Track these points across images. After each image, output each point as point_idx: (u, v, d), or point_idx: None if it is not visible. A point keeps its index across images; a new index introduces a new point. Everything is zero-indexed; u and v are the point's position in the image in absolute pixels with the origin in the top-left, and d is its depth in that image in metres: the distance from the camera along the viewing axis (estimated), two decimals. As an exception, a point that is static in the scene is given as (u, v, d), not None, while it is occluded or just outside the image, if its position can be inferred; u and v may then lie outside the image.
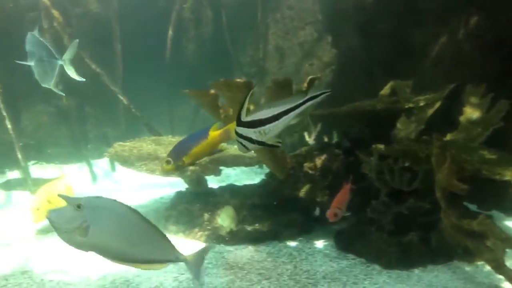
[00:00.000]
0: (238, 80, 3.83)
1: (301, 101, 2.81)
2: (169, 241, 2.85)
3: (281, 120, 2.85)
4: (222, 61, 8.35)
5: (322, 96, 2.81)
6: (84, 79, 4.69)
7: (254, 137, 2.87)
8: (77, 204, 2.56)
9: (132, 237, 2.80)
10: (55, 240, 4.69)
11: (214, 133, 3.54)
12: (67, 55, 4.31)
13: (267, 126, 2.85)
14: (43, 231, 4.91)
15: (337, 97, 5.89)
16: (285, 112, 2.84)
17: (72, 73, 4.46)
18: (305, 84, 4.16)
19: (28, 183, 6.09)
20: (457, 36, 4.77)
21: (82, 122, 7.58)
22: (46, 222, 4.59)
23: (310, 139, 4.98)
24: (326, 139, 4.93)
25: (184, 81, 7.59)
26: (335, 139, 4.75)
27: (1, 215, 5.34)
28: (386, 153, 4.02)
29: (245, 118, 2.87)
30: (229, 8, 8.21)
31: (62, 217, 2.57)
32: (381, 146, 4.06)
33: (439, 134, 3.69)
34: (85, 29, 7.34)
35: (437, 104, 4.37)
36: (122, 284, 3.82)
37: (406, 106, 4.38)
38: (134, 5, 7.88)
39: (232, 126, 3.22)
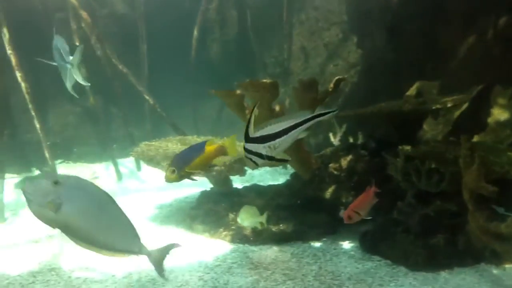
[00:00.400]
0: (264, 80, 3.84)
1: (309, 116, 2.86)
2: (136, 233, 2.85)
3: (289, 134, 2.89)
4: (246, 62, 8.37)
5: (330, 114, 2.89)
6: (89, 84, 4.83)
7: (264, 152, 2.90)
8: (54, 180, 2.54)
9: (102, 222, 2.78)
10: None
11: (209, 148, 3.59)
12: (74, 60, 4.41)
13: (277, 140, 2.89)
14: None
15: (362, 98, 5.92)
16: (294, 127, 2.88)
17: (78, 77, 4.56)
18: (331, 85, 4.15)
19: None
20: (486, 36, 4.72)
21: (108, 122, 7.66)
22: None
23: (335, 139, 4.97)
24: (351, 140, 4.91)
25: (208, 81, 7.63)
26: (360, 140, 4.72)
27: (27, 212, 5.40)
28: (413, 155, 3.99)
29: (253, 134, 2.90)
30: (254, 9, 8.23)
31: (37, 190, 2.54)
32: (408, 148, 4.02)
33: (467, 136, 3.65)
34: (111, 30, 7.42)
35: (465, 105, 4.33)
36: (148, 282, 3.85)
37: (433, 107, 4.34)
38: (159, 5, 7.94)
39: (227, 143, 3.31)
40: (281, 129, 2.88)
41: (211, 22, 8.42)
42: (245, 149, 2.92)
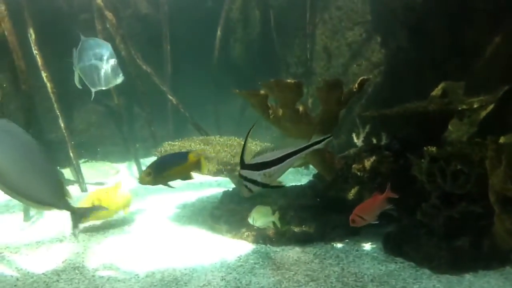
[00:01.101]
0: (289, 80, 3.83)
1: (305, 145, 2.99)
2: (63, 187, 2.83)
3: (285, 162, 3.00)
4: (269, 62, 8.36)
5: (325, 142, 3.02)
6: (80, 87, 4.96)
7: (259, 179, 2.98)
8: None
9: (29, 170, 2.73)
10: (105, 237, 4.80)
11: (191, 161, 3.60)
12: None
13: (272, 168, 2.99)
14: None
15: (386, 98, 5.88)
16: (289, 155, 3.00)
17: (76, 80, 4.81)
18: (356, 85, 4.12)
19: (79, 180, 6.23)
20: (512, 35, 4.66)
21: (132, 122, 7.71)
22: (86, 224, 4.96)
23: (358, 140, 4.93)
24: (374, 141, 4.87)
25: (230, 81, 7.65)
26: (384, 141, 4.68)
27: (52, 212, 5.46)
28: (438, 156, 3.94)
29: (249, 161, 2.98)
30: (277, 9, 8.21)
31: None
32: (433, 149, 3.98)
33: (493, 137, 3.60)
34: (135, 30, 7.47)
35: (491, 106, 4.27)
36: (170, 281, 3.87)
37: (460, 108, 4.28)
38: (183, 6, 7.97)
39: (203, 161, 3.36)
40: (277, 157, 2.99)
41: (234, 22, 8.43)
42: (240, 175, 2.99)
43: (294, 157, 3.03)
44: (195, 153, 3.56)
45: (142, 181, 3.62)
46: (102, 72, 4.61)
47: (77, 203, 4.80)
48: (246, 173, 2.98)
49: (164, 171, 3.60)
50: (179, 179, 3.78)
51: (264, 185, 3.03)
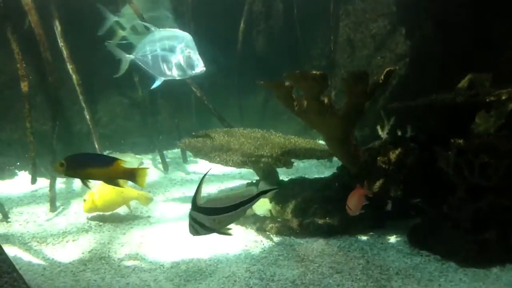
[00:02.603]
0: (314, 72, 3.81)
1: (254, 195, 3.08)
2: None
3: (236, 211, 3.07)
4: (292, 54, 8.33)
5: (271, 192, 3.10)
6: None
7: (207, 224, 3.03)
8: None
9: None
10: (131, 228, 4.85)
11: (118, 167, 3.57)
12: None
13: (223, 215, 3.04)
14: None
15: (410, 90, 5.82)
16: (240, 204, 3.07)
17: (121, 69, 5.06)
18: (382, 77, 4.08)
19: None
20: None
21: (155, 113, 7.75)
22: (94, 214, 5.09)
23: (382, 132, 4.89)
24: (399, 133, 4.83)
25: (253, 73, 7.63)
26: (409, 133, 4.64)
27: (78, 202, 5.54)
28: (466, 148, 3.90)
29: (201, 203, 3.02)
30: (300, 0, 8.17)
31: None
32: (460, 141, 3.94)
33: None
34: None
35: (519, 98, 4.20)
36: (195, 272, 3.90)
37: (487, 100, 4.22)
38: (206, -1, 7.98)
39: (141, 173, 3.48)
40: (229, 204, 3.05)
41: (256, 14, 8.40)
42: (190, 216, 3.04)
43: (244, 206, 3.10)
44: (121, 162, 3.51)
45: (56, 169, 3.61)
46: (174, 63, 4.71)
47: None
48: (196, 215, 3.03)
49: (78, 167, 3.58)
50: (102, 181, 3.77)
51: (211, 230, 3.08)
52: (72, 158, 3.55)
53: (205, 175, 3.27)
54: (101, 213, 5.09)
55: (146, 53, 4.81)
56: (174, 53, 4.67)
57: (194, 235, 3.11)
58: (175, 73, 4.74)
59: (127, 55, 4.95)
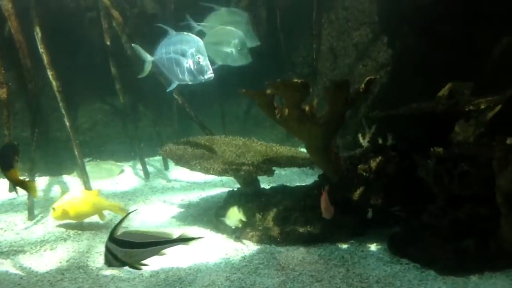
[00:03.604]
0: (296, 80, 3.81)
1: (172, 239, 3.11)
2: None
3: (149, 249, 3.08)
4: (275, 61, 8.33)
5: (194, 240, 3.14)
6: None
7: (119, 255, 3.04)
8: None
9: None
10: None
11: (13, 175, 3.71)
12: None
13: (135, 250, 3.05)
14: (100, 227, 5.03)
15: (392, 99, 5.85)
16: (155, 243, 3.09)
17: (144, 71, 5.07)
18: (363, 86, 4.10)
19: (84, 180, 6.23)
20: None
21: (137, 121, 7.70)
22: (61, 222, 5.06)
23: (364, 141, 4.90)
24: (380, 141, 4.84)
25: (236, 80, 7.62)
26: (390, 141, 4.65)
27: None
28: (445, 157, 3.92)
29: (118, 235, 3.04)
30: (283, 9, 8.19)
31: None
32: (440, 149, 3.96)
33: (501, 138, 3.57)
34: (141, 29, 7.45)
35: (498, 107, 4.23)
36: (175, 281, 3.86)
37: (466, 109, 4.25)
38: (189, 5, 7.95)
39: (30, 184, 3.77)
40: (144, 241, 3.06)
41: (240, 21, 8.41)
42: (105, 245, 3.07)
43: (159, 246, 3.13)
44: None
45: None
46: (185, 67, 4.68)
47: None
48: (110, 245, 3.04)
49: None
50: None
51: (123, 263, 3.10)
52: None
53: (128, 214, 3.56)
54: (73, 221, 5.07)
55: (163, 56, 4.80)
56: (185, 57, 4.66)
57: (107, 265, 3.14)
58: (186, 78, 4.73)
59: (150, 57, 4.93)
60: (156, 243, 3.10)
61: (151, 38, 5.11)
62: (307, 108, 4.12)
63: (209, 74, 4.69)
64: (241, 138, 5.78)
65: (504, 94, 4.23)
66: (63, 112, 6.25)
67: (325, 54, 7.97)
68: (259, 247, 4.50)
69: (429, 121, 4.57)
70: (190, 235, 3.17)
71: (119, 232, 3.04)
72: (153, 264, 4.09)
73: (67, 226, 5.04)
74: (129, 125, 7.39)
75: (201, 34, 5.39)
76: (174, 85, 4.88)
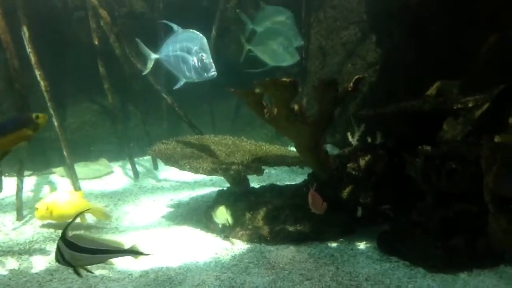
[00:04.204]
0: (284, 79, 3.81)
1: (121, 249, 3.18)
2: None
3: (96, 256, 3.14)
4: (264, 60, 8.33)
5: (140, 255, 3.23)
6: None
7: (66, 256, 3.10)
8: None
9: None
10: (99, 236, 4.77)
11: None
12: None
13: (80, 254, 3.10)
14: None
15: (381, 97, 5.88)
16: (103, 252, 3.14)
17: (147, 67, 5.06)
18: (351, 84, 4.11)
19: (73, 180, 6.21)
20: (509, 36, 4.65)
21: (126, 120, 7.68)
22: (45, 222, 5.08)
23: (353, 139, 4.92)
24: (369, 140, 4.86)
25: (226, 80, 7.62)
26: (379, 140, 4.67)
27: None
28: (433, 155, 3.94)
29: (69, 236, 3.10)
30: (272, 8, 8.19)
31: None
32: (428, 148, 3.98)
33: (489, 136, 3.60)
34: (130, 29, 7.44)
35: (486, 105, 4.26)
36: (164, 281, 3.85)
37: (454, 107, 4.28)
38: (178, 5, 7.94)
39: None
40: (89, 247, 3.10)
41: (229, 21, 8.40)
42: (57, 243, 3.14)
43: (106, 255, 3.18)
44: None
45: None
46: (191, 65, 4.66)
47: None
48: (61, 244, 3.10)
49: None
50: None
51: (68, 264, 3.16)
52: None
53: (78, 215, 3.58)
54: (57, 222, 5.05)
55: (169, 53, 4.76)
56: (190, 55, 4.63)
57: (56, 261, 3.22)
58: (192, 75, 4.70)
59: (153, 54, 4.90)
60: (104, 251, 3.16)
61: (140, 37, 5.07)
62: (296, 107, 4.13)
63: (212, 72, 4.67)
64: (230, 137, 5.78)
65: (491, 93, 4.26)
66: (51, 112, 6.22)
67: (314, 53, 7.98)
68: (249, 246, 4.50)
69: (418, 120, 4.59)
70: (141, 249, 3.24)
71: (82, 234, 3.11)
72: (143, 264, 4.11)
73: (55, 227, 5.02)
74: (118, 125, 7.36)
75: (252, 33, 5.57)
76: (181, 83, 4.85)
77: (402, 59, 5.83)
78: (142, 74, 5.19)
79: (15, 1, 6.34)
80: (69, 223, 3.14)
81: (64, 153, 6.20)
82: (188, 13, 8.03)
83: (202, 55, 4.60)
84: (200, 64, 4.62)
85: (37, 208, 4.96)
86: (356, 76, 4.07)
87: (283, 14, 5.56)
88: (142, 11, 7.66)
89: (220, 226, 4.63)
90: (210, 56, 4.64)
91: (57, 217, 4.93)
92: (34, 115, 3.83)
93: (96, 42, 6.92)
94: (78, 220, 5.01)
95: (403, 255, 4.12)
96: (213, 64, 4.65)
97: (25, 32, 6.23)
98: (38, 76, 6.19)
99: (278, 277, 3.85)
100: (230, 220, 4.53)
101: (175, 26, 4.78)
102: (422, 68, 5.45)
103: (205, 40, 4.66)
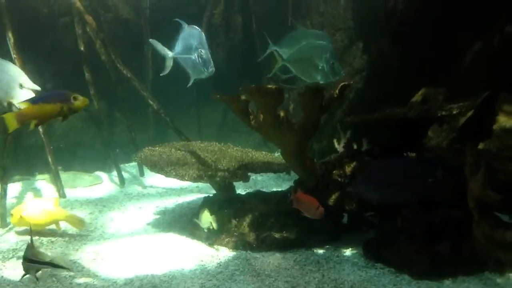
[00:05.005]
0: (270, 86, 3.82)
1: (41, 260, 3.70)
2: None
3: (30, 265, 3.75)
4: (252, 67, 8.34)
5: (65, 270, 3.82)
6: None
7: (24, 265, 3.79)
8: None
9: None
10: (84, 244, 4.74)
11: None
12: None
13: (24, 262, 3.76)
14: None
15: (367, 104, 5.89)
16: (31, 261, 3.70)
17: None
18: (337, 91, 4.12)
19: (58, 186, 6.16)
20: (493, 42, 4.68)
21: (112, 127, 7.64)
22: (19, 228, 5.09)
23: (339, 146, 4.93)
24: (355, 147, 4.87)
25: (213, 86, 7.62)
26: (365, 147, 4.69)
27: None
28: (418, 162, 3.96)
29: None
30: (259, 14, 8.21)
31: None
32: (413, 155, 3.99)
33: (472, 143, 3.62)
34: (116, 35, 7.42)
35: (470, 112, 4.28)
36: (149, 289, 3.83)
37: (439, 114, 4.30)
38: (165, 10, 7.93)
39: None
40: (29, 256, 3.66)
41: (216, 27, 8.40)
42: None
43: (32, 265, 3.70)
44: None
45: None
46: (192, 61, 4.61)
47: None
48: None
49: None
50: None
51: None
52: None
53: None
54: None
55: (179, 51, 4.70)
56: (192, 52, 4.58)
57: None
58: (196, 72, 4.65)
59: (170, 53, 4.83)
60: (31, 260, 3.56)
61: (126, 43, 5.06)
62: (281, 114, 4.13)
63: (211, 68, 4.60)
64: (217, 143, 5.77)
65: (476, 100, 4.28)
66: (36, 118, 6.16)
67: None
68: (234, 253, 4.49)
69: (403, 126, 4.61)
70: (62, 263, 3.70)
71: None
72: (128, 271, 4.09)
73: (40, 234, 4.96)
74: (104, 131, 7.32)
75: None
76: (192, 81, 4.79)
77: (388, 65, 5.86)
78: (161, 75, 5.01)
79: (0, 6, 6.29)
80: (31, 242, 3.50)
81: (49, 159, 6.15)
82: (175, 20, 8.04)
83: (201, 51, 4.54)
84: (200, 61, 4.55)
85: (12, 214, 4.94)
86: (342, 83, 4.08)
87: (320, 39, 5.14)
88: (128, 17, 7.64)
89: (205, 230, 4.60)
90: (208, 52, 4.56)
91: (32, 224, 4.88)
92: (73, 96, 3.84)
93: (82, 48, 6.89)
94: (65, 227, 5.01)
95: (388, 261, 4.13)
96: (211, 60, 4.57)
97: (10, 38, 6.18)
98: (23, 82, 6.13)
99: (264, 284, 3.85)
100: (214, 225, 4.52)
101: (182, 23, 4.72)
102: (408, 75, 5.48)
103: (203, 35, 4.61)
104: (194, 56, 4.57)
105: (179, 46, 4.75)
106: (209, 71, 4.61)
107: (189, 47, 4.62)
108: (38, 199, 5.20)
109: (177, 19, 4.82)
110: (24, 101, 3.81)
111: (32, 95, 4.66)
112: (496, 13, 4.68)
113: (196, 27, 4.71)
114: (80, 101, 3.85)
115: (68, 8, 6.98)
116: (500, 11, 4.65)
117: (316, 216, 4.06)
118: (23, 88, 4.68)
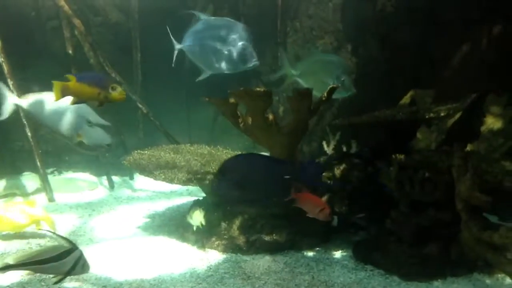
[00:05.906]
0: (258, 89, 3.82)
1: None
2: None
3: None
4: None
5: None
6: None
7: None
8: None
9: None
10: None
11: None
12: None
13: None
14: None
15: (356, 106, 5.91)
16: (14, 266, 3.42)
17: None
18: (325, 94, 4.14)
19: (47, 190, 6.13)
20: (480, 45, 4.72)
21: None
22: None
23: (328, 148, 4.95)
24: (344, 149, 4.89)
25: (202, 89, 7.61)
26: (354, 149, 4.70)
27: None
28: (406, 164, 3.97)
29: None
30: (247, 17, 8.20)
31: None
32: (401, 156, 4.01)
33: (460, 145, 3.64)
34: (105, 38, 7.39)
35: (458, 114, 4.31)
36: (139, 293, 3.81)
37: (427, 116, 4.32)
38: (154, 14, 7.91)
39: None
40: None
41: (205, 30, 8.40)
42: None
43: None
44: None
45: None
46: (224, 54, 4.47)
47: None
48: None
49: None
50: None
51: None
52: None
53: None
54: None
55: (195, 43, 4.56)
56: (225, 44, 4.43)
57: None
58: (224, 66, 4.49)
59: (177, 44, 4.73)
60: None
61: (114, 46, 5.04)
62: (270, 117, 4.14)
63: (254, 61, 4.45)
64: (206, 146, 5.77)
65: (463, 102, 4.31)
66: (24, 121, 6.14)
67: (291, 62, 7.99)
68: (224, 256, 4.48)
69: (392, 128, 4.63)
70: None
71: None
72: (117, 275, 4.07)
73: (29, 237, 4.93)
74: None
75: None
76: (206, 75, 4.67)
77: (377, 68, 5.88)
78: (173, 66, 4.97)
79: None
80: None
81: (37, 163, 6.12)
82: (164, 22, 8.03)
83: (242, 44, 4.41)
84: (238, 54, 4.42)
85: None
86: (330, 86, 4.09)
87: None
88: (117, 21, 7.62)
89: (194, 228, 4.59)
90: (250, 45, 4.45)
91: (10, 227, 4.85)
92: (112, 85, 3.81)
93: (70, 51, 6.85)
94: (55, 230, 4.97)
95: (378, 263, 4.14)
96: (254, 53, 4.44)
97: (-2, 41, 6.15)
98: (10, 85, 6.10)
99: (254, 287, 3.84)
100: (203, 222, 4.51)
101: (200, 15, 4.60)
102: (397, 77, 5.50)
103: (245, 28, 4.50)
104: (225, 48, 4.44)
105: (192, 38, 4.68)
106: (252, 65, 4.49)
107: (217, 39, 4.48)
108: (15, 201, 5.13)
109: (192, 11, 4.69)
110: (71, 74, 3.83)
111: (101, 131, 4.88)
112: (484, 16, 4.71)
113: (230, 19, 4.58)
114: (117, 92, 3.81)
115: (56, 12, 6.95)
116: (488, 14, 4.69)
117: (321, 217, 3.86)
118: (91, 125, 4.66)
